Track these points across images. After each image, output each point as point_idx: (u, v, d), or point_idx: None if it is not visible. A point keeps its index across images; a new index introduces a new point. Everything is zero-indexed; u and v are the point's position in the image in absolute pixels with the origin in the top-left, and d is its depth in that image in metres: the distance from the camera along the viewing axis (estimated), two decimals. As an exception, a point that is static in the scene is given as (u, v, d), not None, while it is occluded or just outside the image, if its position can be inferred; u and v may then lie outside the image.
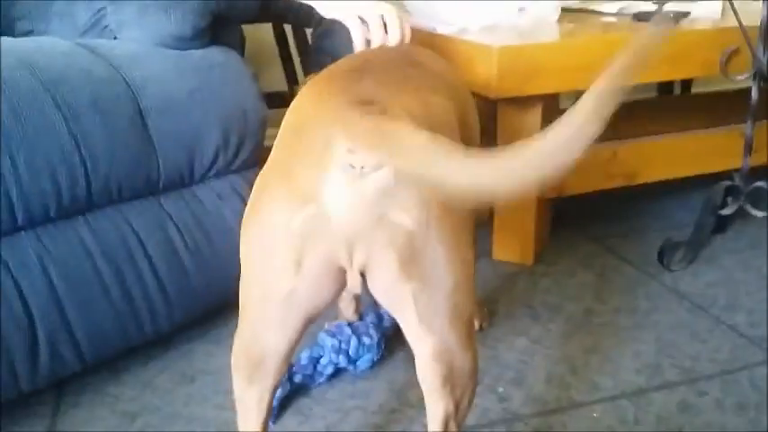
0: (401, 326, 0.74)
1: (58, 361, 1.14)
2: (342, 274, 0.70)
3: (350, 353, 1.21)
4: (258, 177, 0.77)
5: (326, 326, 1.25)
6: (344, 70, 0.82)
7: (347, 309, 1.29)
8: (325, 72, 0.84)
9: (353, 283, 0.70)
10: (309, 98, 0.77)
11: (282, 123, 0.80)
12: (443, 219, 0.69)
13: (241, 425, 0.83)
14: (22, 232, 1.10)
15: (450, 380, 0.76)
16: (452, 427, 0.79)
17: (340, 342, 1.21)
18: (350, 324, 1.24)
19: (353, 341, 1.21)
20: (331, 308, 1.28)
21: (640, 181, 1.71)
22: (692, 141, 1.74)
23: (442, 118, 0.79)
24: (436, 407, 0.77)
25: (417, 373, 0.76)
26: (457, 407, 0.78)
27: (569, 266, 1.63)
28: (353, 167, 0.65)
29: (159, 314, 1.25)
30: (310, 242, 0.68)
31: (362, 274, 0.70)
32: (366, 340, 1.22)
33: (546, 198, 1.65)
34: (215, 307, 1.33)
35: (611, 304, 1.46)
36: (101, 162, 1.16)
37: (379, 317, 1.26)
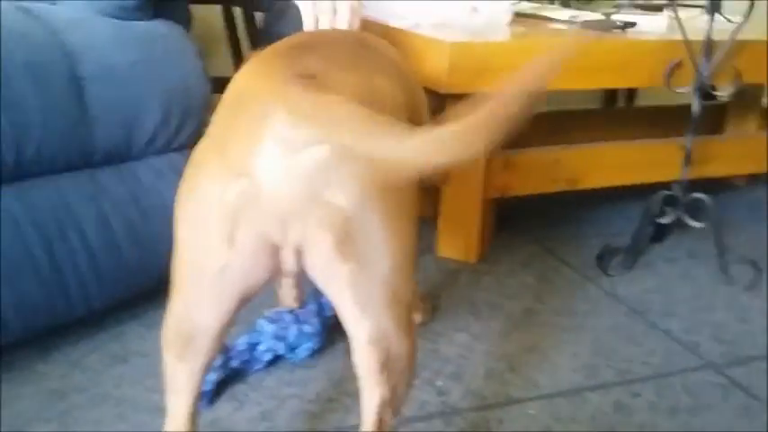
0: (337, 309, 0.72)
1: (-21, 333, 1.07)
2: (277, 252, 0.68)
3: (289, 340, 1.18)
4: (194, 151, 0.74)
5: (266, 312, 1.21)
6: (289, 46, 0.80)
7: (287, 296, 1.25)
8: (269, 48, 0.81)
9: (287, 262, 0.68)
10: (249, 72, 0.75)
11: (221, 97, 0.77)
12: (383, 200, 0.68)
13: (170, 404, 0.79)
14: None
15: (386, 366, 0.74)
16: (387, 414, 0.77)
17: (280, 329, 1.18)
18: (291, 311, 1.21)
19: (293, 329, 1.18)
20: (271, 295, 1.27)
21: (582, 186, 1.74)
22: (635, 150, 1.78)
23: (386, 100, 0.78)
24: (372, 393, 0.75)
25: (353, 358, 0.74)
26: (393, 394, 0.76)
27: (511, 266, 1.63)
28: (288, 141, 0.63)
29: (91, 291, 1.20)
30: (243, 216, 0.66)
31: (298, 254, 0.68)
32: (307, 328, 1.19)
33: (491, 198, 1.66)
34: (149, 288, 1.28)
35: (550, 305, 1.47)
36: (33, 129, 1.11)
37: (321, 306, 1.23)
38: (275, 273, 0.70)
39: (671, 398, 1.19)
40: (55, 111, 1.14)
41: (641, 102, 2.61)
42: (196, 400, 0.79)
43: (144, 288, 1.28)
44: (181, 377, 0.77)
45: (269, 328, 1.17)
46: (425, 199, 1.90)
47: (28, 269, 1.11)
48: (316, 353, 1.21)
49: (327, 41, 0.86)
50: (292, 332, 1.18)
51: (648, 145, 1.79)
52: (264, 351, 1.16)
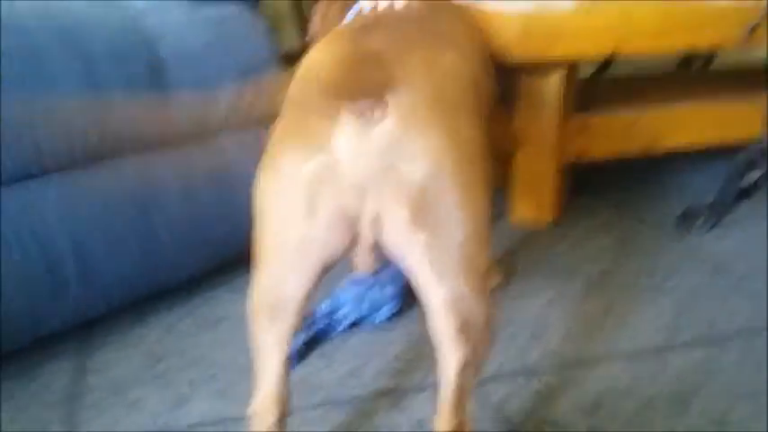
0: (413, 278, 0.74)
1: (86, 302, 1.15)
2: (354, 224, 0.71)
3: (371, 303, 1.22)
4: (273, 128, 0.78)
5: (349, 275, 1.26)
6: (355, 27, 0.82)
7: (363, 262, 1.29)
8: (337, 29, 0.85)
9: (364, 233, 0.71)
10: (320, 53, 0.78)
11: (294, 77, 0.81)
12: (456, 169, 0.70)
13: (261, 368, 0.83)
14: (48, 176, 1.11)
15: (463, 330, 0.76)
16: (468, 377, 0.79)
17: (361, 292, 1.22)
18: (371, 275, 1.25)
19: (375, 291, 1.22)
20: (349, 262, 1.31)
21: (660, 148, 1.71)
22: (713, 110, 1.73)
23: (449, 75, 0.79)
24: (450, 357, 0.77)
25: (429, 323, 0.76)
26: (472, 356, 0.78)
27: (588, 229, 1.63)
28: (360, 117, 0.67)
29: (183, 260, 1.28)
30: (323, 189, 0.69)
31: (375, 225, 0.71)
32: (388, 290, 1.23)
33: (566, 162, 1.65)
34: (237, 256, 1.33)
35: (628, 266, 1.46)
36: (118, 109, 1.16)
37: (400, 269, 1.27)
38: (353, 243, 0.73)
39: (756, 356, 1.17)
40: (137, 93, 1.19)
41: (718, 65, 2.51)
42: (286, 363, 0.82)
43: (232, 256, 1.35)
44: (270, 342, 0.80)
45: (351, 291, 1.21)
46: (498, 168, 1.90)
47: (128, 240, 1.19)
48: (396, 314, 1.25)
49: (393, 21, 0.88)
50: (374, 294, 1.22)
51: (727, 104, 1.73)
52: (347, 313, 1.21)
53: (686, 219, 1.59)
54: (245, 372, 1.10)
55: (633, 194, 1.82)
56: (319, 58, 0.77)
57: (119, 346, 1.20)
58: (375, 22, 0.86)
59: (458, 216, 0.71)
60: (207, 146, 1.33)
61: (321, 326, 1.19)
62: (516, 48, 1.43)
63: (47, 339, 1.16)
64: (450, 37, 0.89)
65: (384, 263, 1.27)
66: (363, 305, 1.21)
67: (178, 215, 1.25)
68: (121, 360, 1.16)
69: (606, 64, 2.58)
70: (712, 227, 1.60)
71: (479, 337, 0.77)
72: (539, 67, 1.54)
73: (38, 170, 1.10)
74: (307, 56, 0.82)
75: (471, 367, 0.78)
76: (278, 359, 0.81)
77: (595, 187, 1.85)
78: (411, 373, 1.13)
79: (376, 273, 1.26)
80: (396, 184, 0.68)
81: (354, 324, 1.23)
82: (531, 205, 1.65)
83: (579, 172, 1.77)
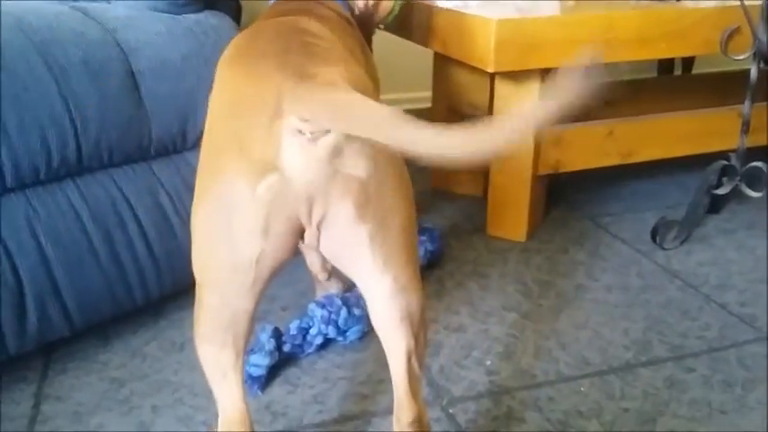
0: (355, 275, 0.78)
1: (47, 324, 1.13)
2: (301, 231, 0.74)
3: (339, 324, 1.21)
4: (202, 156, 0.79)
5: (316, 297, 1.25)
6: (266, 48, 0.85)
7: (331, 285, 1.29)
8: (239, 52, 0.87)
9: (311, 238, 0.74)
10: (241, 77, 0.80)
11: (212, 105, 0.83)
12: (389, 166, 0.76)
13: (220, 393, 0.83)
14: (12, 194, 1.10)
15: (407, 317, 0.80)
16: (414, 364, 0.82)
17: (330, 313, 1.21)
18: (340, 295, 1.24)
19: (343, 312, 1.21)
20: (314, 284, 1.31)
21: (636, 159, 1.71)
22: (689, 121, 1.74)
23: (365, 83, 0.85)
24: (397, 345, 0.81)
25: (372, 317, 0.80)
26: (416, 344, 0.82)
27: (562, 244, 1.62)
28: (303, 134, 0.70)
29: (149, 280, 1.25)
30: (275, 206, 0.72)
31: (319, 229, 0.74)
32: (356, 311, 1.21)
33: (541, 175, 1.65)
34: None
35: (602, 281, 1.46)
36: (91, 124, 1.15)
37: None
38: (297, 250, 0.77)
39: (726, 372, 1.17)
40: (112, 106, 1.18)
41: (699, 68, 2.53)
42: (242, 381, 0.83)
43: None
44: (227, 363, 0.81)
45: (319, 312, 1.20)
46: (474, 177, 1.90)
47: (89, 260, 1.16)
48: (365, 335, 1.24)
49: (292, 38, 0.89)
50: (342, 315, 1.21)
51: (704, 115, 1.74)
52: (315, 335, 1.20)
53: (659, 232, 1.59)
54: (211, 396, 1.09)
55: (608, 207, 1.82)
56: (244, 83, 0.79)
57: (80, 372, 1.18)
58: (279, 42, 0.87)
59: (396, 207, 0.76)
60: (174, 160, 1.31)
61: (288, 348, 1.18)
62: (494, 55, 1.42)
63: (5, 364, 1.14)
64: (341, 48, 0.94)
65: (351, 284, 1.26)
66: (332, 326, 1.20)
67: (144, 233, 1.23)
68: (83, 386, 1.14)
69: (584, 72, 2.58)
70: (683, 241, 1.60)
71: (419, 325, 0.82)
72: (515, 76, 1.53)
73: (2, 186, 1.08)
74: (221, 81, 0.85)
75: (416, 355, 0.82)
76: (238, 380, 0.82)
77: (570, 200, 1.85)
78: (377, 396, 1.12)
79: (344, 294, 1.25)
80: (340, 184, 0.72)
81: (322, 346, 1.22)
82: (507, 220, 1.64)
83: (554, 184, 1.77)
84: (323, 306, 1.21)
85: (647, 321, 1.32)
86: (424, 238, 1.47)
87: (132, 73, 1.21)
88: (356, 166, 0.73)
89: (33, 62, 1.10)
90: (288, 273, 1.45)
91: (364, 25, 1.32)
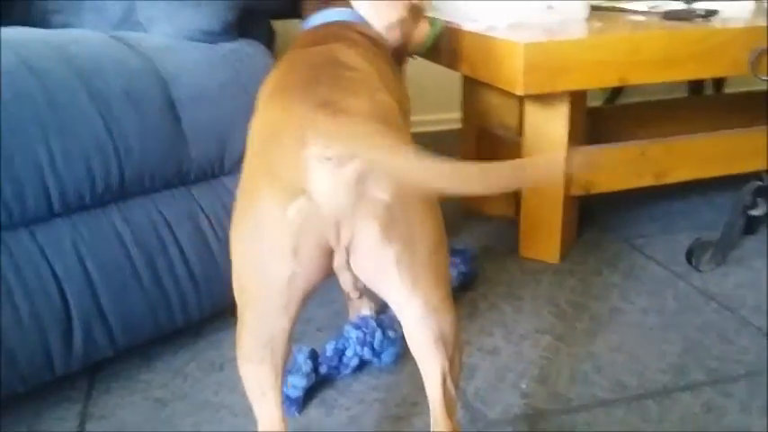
0: (387, 297, 0.80)
1: (91, 345, 1.16)
2: (331, 254, 0.77)
3: (374, 345, 1.22)
4: (241, 183, 0.84)
5: (352, 318, 1.26)
6: (297, 79, 0.91)
7: (363, 305, 1.31)
8: (275, 85, 0.94)
9: (340, 260, 0.77)
10: (274, 109, 0.87)
11: (251, 134, 0.89)
12: (414, 190, 0.78)
13: (260, 410, 0.86)
14: (58, 219, 1.13)
15: (440, 338, 0.82)
16: (450, 385, 0.84)
17: (365, 334, 1.22)
18: (375, 317, 1.25)
19: (378, 334, 1.22)
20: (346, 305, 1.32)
21: (669, 180, 1.70)
22: (723, 141, 1.73)
23: (388, 112, 0.89)
24: (432, 366, 0.83)
25: (407, 339, 0.82)
26: (451, 365, 0.84)
27: (596, 265, 1.62)
28: (330, 160, 0.74)
29: (189, 302, 1.27)
30: (305, 228, 0.76)
31: (349, 252, 0.77)
32: (391, 333, 1.23)
33: (573, 196, 1.65)
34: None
35: (637, 304, 1.46)
36: (133, 151, 1.18)
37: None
38: (330, 271, 0.80)
39: (764, 397, 1.16)
40: (153, 133, 1.21)
41: (730, 87, 2.51)
42: (281, 401, 0.86)
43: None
44: (266, 381, 0.84)
45: (354, 334, 1.22)
46: (505, 198, 1.91)
47: (132, 284, 1.19)
48: (400, 357, 1.25)
49: (323, 70, 0.94)
50: (377, 337, 1.22)
51: (736, 135, 1.73)
52: (351, 357, 1.21)
53: (694, 254, 1.58)
54: (251, 414, 1.11)
55: (641, 228, 1.81)
56: (276, 114, 0.85)
57: (124, 392, 1.20)
58: (310, 75, 0.92)
59: (423, 228, 0.79)
60: (213, 185, 1.34)
61: (324, 370, 1.20)
62: (522, 78, 1.44)
63: (51, 384, 1.17)
64: (371, 77, 0.98)
65: (383, 304, 1.28)
66: (367, 348, 1.21)
67: (184, 257, 1.26)
68: (126, 405, 1.17)
69: (617, 91, 2.58)
70: (719, 263, 1.59)
71: (454, 346, 0.84)
72: (544, 97, 1.54)
73: (47, 213, 1.12)
74: (260, 114, 0.91)
75: (451, 376, 0.84)
76: (276, 398, 0.85)
77: (603, 221, 1.85)
78: (412, 418, 1.13)
79: (378, 316, 1.26)
80: (367, 207, 0.75)
81: (358, 368, 1.23)
82: (539, 241, 1.65)
83: (586, 205, 1.77)
84: (358, 328, 1.23)
85: (683, 345, 1.31)
86: (457, 260, 1.48)
87: (172, 101, 1.25)
88: (381, 188, 0.75)
89: (77, 92, 1.13)
90: (323, 293, 1.46)
91: (395, 56, 1.34)
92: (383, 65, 1.12)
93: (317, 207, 0.75)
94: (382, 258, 0.77)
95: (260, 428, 0.86)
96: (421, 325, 0.81)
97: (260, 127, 0.88)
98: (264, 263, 0.78)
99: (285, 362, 0.84)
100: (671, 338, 1.33)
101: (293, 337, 0.83)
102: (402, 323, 0.82)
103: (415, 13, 1.46)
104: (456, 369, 0.85)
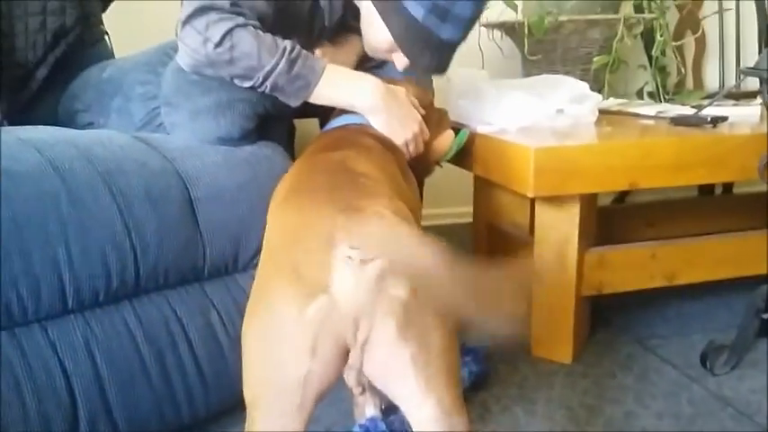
0: (399, 397, 0.81)
1: (96, 443, 1.15)
2: (346, 352, 0.78)
3: (383, 448, 1.20)
4: (256, 281, 0.87)
5: (359, 418, 1.24)
6: (314, 186, 0.95)
7: (368, 404, 1.29)
8: (290, 188, 0.99)
9: (355, 359, 0.78)
10: (294, 211, 0.91)
11: (267, 234, 0.93)
12: (429, 287, 0.79)
13: None
14: (71, 315, 1.14)
15: None
16: None
17: (373, 437, 1.20)
18: (384, 419, 1.23)
19: (387, 436, 1.20)
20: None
21: (681, 282, 1.70)
22: (733, 243, 1.74)
23: (403, 213, 0.93)
24: None
25: None
26: None
27: (609, 367, 1.60)
28: (353, 259, 0.77)
29: (196, 399, 1.27)
30: (323, 327, 0.77)
31: (363, 350, 0.78)
32: (400, 436, 1.21)
33: (585, 296, 1.65)
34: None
35: (652, 408, 1.43)
36: (150, 248, 1.20)
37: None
38: (343, 369, 0.80)
39: None
40: (170, 231, 1.24)
41: (740, 187, 2.53)
42: None
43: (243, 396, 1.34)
44: None
45: (363, 436, 1.20)
46: (517, 297, 1.90)
47: (141, 380, 1.19)
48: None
49: (341, 175, 0.99)
50: (386, 440, 1.20)
51: (748, 237, 1.74)
52: (360, 459, 1.19)
53: (708, 357, 1.56)
54: None
55: (654, 329, 1.80)
56: (298, 216, 0.89)
57: (127, 493, 1.18)
58: (328, 180, 0.97)
59: (437, 328, 0.80)
60: (226, 282, 1.35)
61: (332, 473, 1.17)
62: (532, 181, 1.46)
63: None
64: (384, 183, 1.02)
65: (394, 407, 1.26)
66: (375, 451, 1.19)
67: (194, 353, 1.26)
68: (129, 507, 1.14)
69: (624, 193, 2.61)
70: (734, 366, 1.57)
71: None
72: (555, 199, 1.57)
73: (61, 310, 1.13)
74: (276, 215, 0.95)
75: None
76: None
77: (616, 322, 1.84)
78: None
79: (388, 417, 1.24)
80: (384, 307, 0.77)
81: (367, 470, 1.21)
82: (551, 341, 1.64)
83: (599, 306, 1.76)
84: (367, 430, 1.21)
85: (700, 452, 1.28)
86: (468, 358, 1.47)
87: (190, 200, 1.28)
88: (398, 285, 0.77)
89: (99, 191, 1.16)
90: (331, 392, 1.44)
91: (417, 164, 1.38)
92: (395, 171, 1.15)
93: (336, 305, 0.76)
94: (398, 357, 0.78)
95: None
96: (434, 426, 0.80)
97: (278, 229, 0.91)
98: (281, 362, 0.79)
99: None
100: (687, 445, 1.30)
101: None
102: (412, 424, 0.81)
103: (440, 121, 1.50)
104: None
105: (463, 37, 1.38)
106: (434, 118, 1.48)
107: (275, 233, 0.91)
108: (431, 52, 1.35)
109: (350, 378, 0.83)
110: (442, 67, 1.42)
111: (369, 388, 1.06)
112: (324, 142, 1.22)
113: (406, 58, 1.38)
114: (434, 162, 1.53)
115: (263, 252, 0.92)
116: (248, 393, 0.83)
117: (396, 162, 1.21)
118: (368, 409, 1.29)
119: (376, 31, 1.37)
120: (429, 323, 0.79)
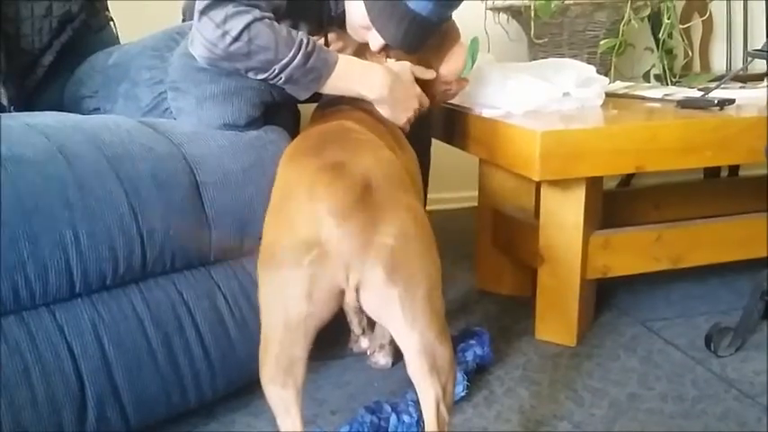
0: (390, 330, 0.95)
1: (104, 424, 1.16)
2: (341, 294, 0.91)
3: (388, 430, 1.21)
4: (265, 227, 1.02)
5: (367, 402, 1.25)
6: (309, 145, 1.09)
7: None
8: (291, 152, 1.13)
9: (350, 299, 0.91)
10: (291, 167, 1.06)
11: (275, 187, 1.07)
12: (416, 236, 0.94)
13: (284, 425, 0.98)
14: (79, 299, 1.15)
15: (434, 368, 0.94)
16: (442, 409, 0.96)
17: (379, 419, 1.21)
18: (390, 402, 1.24)
19: (393, 419, 1.21)
20: (368, 388, 1.31)
21: (686, 264, 1.70)
22: (739, 226, 1.73)
23: (391, 165, 1.05)
24: (427, 393, 0.95)
25: (407, 367, 0.95)
26: (444, 391, 0.96)
27: (614, 349, 1.61)
28: (337, 211, 0.88)
29: (203, 382, 1.28)
30: (317, 276, 0.90)
31: (357, 291, 0.90)
32: (405, 418, 1.22)
33: (590, 279, 1.65)
34: (257, 378, 1.34)
35: (657, 390, 1.44)
36: (157, 233, 1.21)
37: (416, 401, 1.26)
38: (339, 308, 0.93)
39: (789, 492, 1.13)
40: (177, 215, 1.24)
41: (746, 170, 2.53)
42: (303, 417, 0.98)
43: (253, 378, 1.35)
44: (289, 399, 0.97)
45: (369, 418, 1.21)
46: (520, 278, 1.91)
47: (148, 363, 1.20)
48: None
49: (333, 136, 1.12)
50: (392, 422, 1.21)
51: (753, 220, 1.73)
52: (365, 442, 1.20)
53: (713, 339, 1.56)
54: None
55: (659, 311, 1.80)
56: (292, 172, 1.03)
57: (136, 472, 1.20)
58: (323, 140, 1.10)
59: (422, 271, 0.93)
60: (232, 268, 1.36)
61: (338, 454, 1.19)
62: (538, 164, 1.46)
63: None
64: (375, 140, 1.15)
65: (401, 394, 1.27)
66: (381, 432, 1.21)
67: (200, 337, 1.27)
68: (138, 487, 1.16)
69: (629, 176, 2.61)
70: (738, 348, 1.57)
71: (447, 374, 0.96)
72: (561, 182, 1.57)
73: (68, 294, 1.14)
74: (280, 170, 1.09)
75: (444, 402, 0.96)
76: (297, 413, 0.97)
77: (620, 303, 1.84)
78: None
79: (393, 401, 1.25)
80: (373, 253, 0.89)
81: (372, 452, 1.22)
82: (556, 323, 1.64)
83: (602, 287, 1.77)
84: (372, 412, 1.22)
85: (703, 433, 1.29)
86: (472, 341, 1.48)
87: (197, 184, 1.28)
88: (386, 235, 0.89)
89: (106, 176, 1.17)
90: (336, 375, 1.46)
91: (432, 98, 1.50)
92: (384, 138, 1.23)
93: (328, 255, 0.88)
94: (387, 297, 0.91)
95: None
96: (418, 356, 0.93)
97: (279, 186, 1.05)
98: (285, 304, 0.93)
99: (303, 383, 0.96)
100: (692, 427, 1.31)
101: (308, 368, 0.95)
102: (404, 354, 0.94)
103: (440, 46, 1.51)
104: (449, 396, 0.97)
105: (439, 11, 1.36)
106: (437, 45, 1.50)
107: (277, 191, 1.04)
108: (405, 27, 1.35)
109: (353, 324, 0.95)
110: (416, 42, 1.41)
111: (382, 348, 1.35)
112: (319, 114, 1.35)
113: (380, 38, 1.38)
114: (451, 85, 1.55)
115: (268, 208, 1.05)
116: (263, 326, 0.97)
117: (385, 132, 1.30)
118: (363, 342, 1.48)
119: (355, 9, 1.39)
120: (415, 265, 0.92)
